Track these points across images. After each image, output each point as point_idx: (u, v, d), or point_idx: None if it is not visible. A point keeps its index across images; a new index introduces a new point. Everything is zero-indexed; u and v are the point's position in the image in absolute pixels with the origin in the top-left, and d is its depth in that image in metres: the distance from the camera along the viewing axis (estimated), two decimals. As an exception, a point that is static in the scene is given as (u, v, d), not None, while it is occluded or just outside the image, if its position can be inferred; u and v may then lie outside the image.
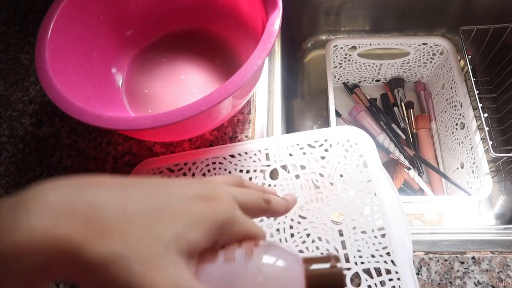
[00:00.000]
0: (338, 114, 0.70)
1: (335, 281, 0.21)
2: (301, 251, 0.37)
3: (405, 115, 0.70)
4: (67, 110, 0.35)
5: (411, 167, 0.64)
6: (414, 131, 0.69)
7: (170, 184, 0.22)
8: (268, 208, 0.27)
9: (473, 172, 0.55)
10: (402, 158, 0.65)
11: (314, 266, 0.22)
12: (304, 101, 0.75)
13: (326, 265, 0.22)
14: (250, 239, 0.23)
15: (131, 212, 0.19)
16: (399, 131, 0.68)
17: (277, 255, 0.22)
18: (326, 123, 0.72)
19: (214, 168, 0.42)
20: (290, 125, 0.71)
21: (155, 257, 0.18)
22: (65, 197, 0.18)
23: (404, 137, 0.68)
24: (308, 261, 0.22)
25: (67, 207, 0.18)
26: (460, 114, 0.59)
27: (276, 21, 0.38)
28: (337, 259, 0.22)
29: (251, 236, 0.23)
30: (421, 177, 0.64)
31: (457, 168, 0.60)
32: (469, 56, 0.58)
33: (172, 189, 0.21)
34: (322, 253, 0.37)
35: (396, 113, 0.70)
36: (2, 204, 0.18)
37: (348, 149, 0.41)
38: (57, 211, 0.17)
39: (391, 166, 0.64)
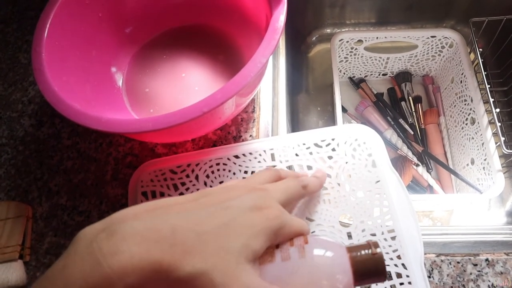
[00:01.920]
0: (344, 109, 0.69)
1: (377, 265, 0.25)
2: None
3: (413, 110, 0.68)
4: (65, 113, 0.34)
5: (419, 163, 0.63)
6: (423, 127, 0.67)
7: (228, 199, 0.25)
8: (306, 192, 0.32)
9: (484, 168, 0.54)
10: (410, 154, 0.63)
11: (357, 253, 0.25)
12: (309, 96, 0.73)
13: (368, 251, 0.25)
14: (299, 235, 0.27)
15: (203, 232, 0.22)
16: (406, 126, 0.66)
17: (324, 247, 0.26)
18: (331, 119, 0.70)
19: (218, 170, 0.41)
20: (295, 121, 0.70)
21: (229, 268, 0.22)
22: (149, 225, 0.21)
23: (412, 133, 0.66)
24: (351, 249, 0.25)
25: (154, 234, 0.21)
26: (471, 109, 0.57)
27: (280, 16, 0.36)
28: (376, 245, 0.25)
29: (299, 233, 0.27)
30: (429, 173, 0.62)
31: (467, 165, 0.59)
32: (480, 49, 0.56)
33: (230, 205, 0.25)
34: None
35: (403, 108, 0.68)
36: (90, 231, 0.21)
37: (356, 148, 0.40)
38: (146, 238, 0.21)
39: (399, 162, 0.62)
